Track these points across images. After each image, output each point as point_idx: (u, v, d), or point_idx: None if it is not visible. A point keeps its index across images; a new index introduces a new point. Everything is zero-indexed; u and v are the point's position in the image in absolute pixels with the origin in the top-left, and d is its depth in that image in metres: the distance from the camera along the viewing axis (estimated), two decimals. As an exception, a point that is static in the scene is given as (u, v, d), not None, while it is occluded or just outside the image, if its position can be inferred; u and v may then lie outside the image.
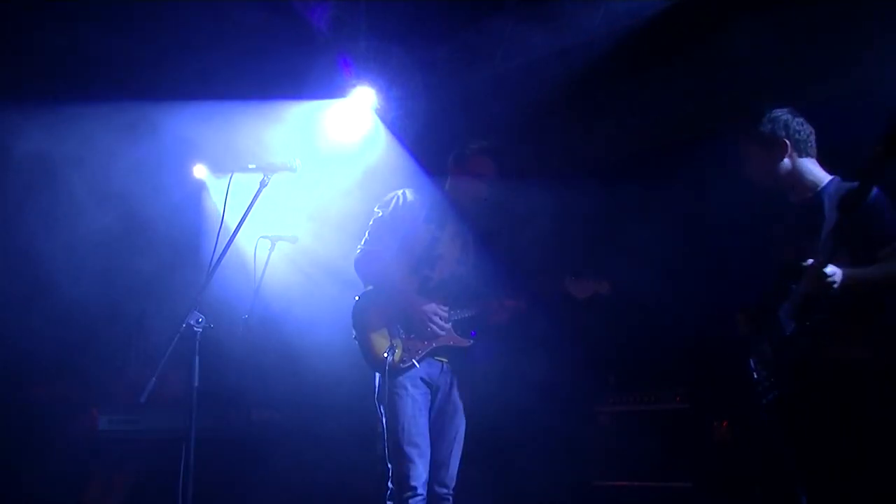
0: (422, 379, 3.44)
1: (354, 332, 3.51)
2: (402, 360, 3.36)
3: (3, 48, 4.74)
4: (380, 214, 3.63)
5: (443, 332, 3.44)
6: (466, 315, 3.50)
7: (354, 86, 5.64)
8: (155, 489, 4.81)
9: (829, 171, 3.36)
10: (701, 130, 5.43)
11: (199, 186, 6.30)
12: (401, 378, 3.38)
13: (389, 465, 3.33)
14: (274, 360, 5.58)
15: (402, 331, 3.43)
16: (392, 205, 3.63)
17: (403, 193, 3.68)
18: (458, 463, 3.50)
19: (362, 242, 3.61)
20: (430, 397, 3.48)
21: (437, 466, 3.42)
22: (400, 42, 5.54)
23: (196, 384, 2.95)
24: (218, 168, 6.22)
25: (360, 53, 5.49)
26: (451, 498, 3.44)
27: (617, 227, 5.54)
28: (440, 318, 3.43)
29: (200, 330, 2.96)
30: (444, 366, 3.50)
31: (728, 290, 5.19)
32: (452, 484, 3.46)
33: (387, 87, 5.71)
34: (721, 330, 5.24)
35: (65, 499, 4.79)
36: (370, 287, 3.56)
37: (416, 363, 3.38)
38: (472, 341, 3.48)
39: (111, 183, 5.32)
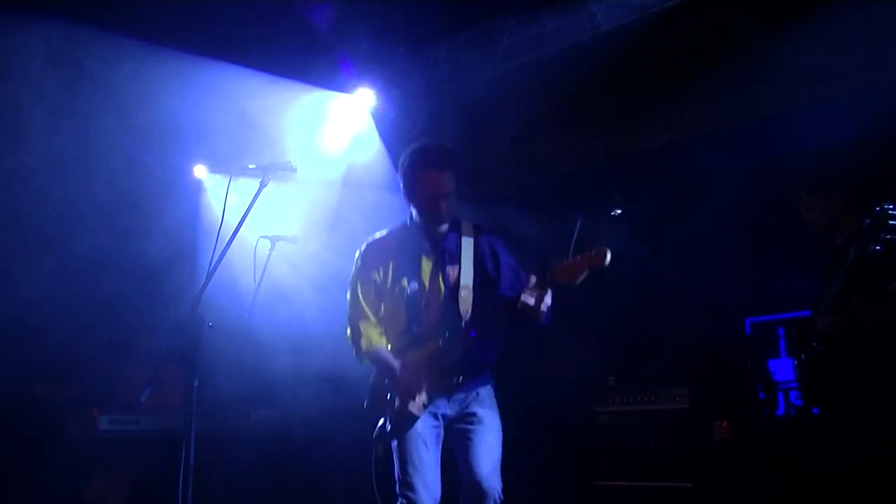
0: (429, 417, 3.22)
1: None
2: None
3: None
4: (351, 282, 3.43)
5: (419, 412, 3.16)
6: (456, 355, 3.16)
7: (356, 86, 5.64)
8: (155, 489, 4.81)
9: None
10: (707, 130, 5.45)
11: (199, 186, 6.31)
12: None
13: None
14: (274, 359, 5.58)
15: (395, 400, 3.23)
16: (356, 272, 3.40)
17: (363, 254, 3.40)
18: (489, 468, 3.19)
19: (347, 317, 3.43)
20: (440, 430, 3.24)
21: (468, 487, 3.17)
22: (400, 42, 5.55)
23: (196, 384, 2.94)
24: (218, 168, 6.23)
25: (360, 53, 5.49)
26: None
27: (624, 228, 5.54)
28: (415, 403, 3.15)
29: (200, 330, 2.96)
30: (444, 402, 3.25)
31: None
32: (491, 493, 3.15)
33: (386, 87, 5.71)
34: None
35: (65, 499, 4.79)
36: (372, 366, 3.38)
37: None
38: (456, 380, 3.16)
39: (109, 180, 5.31)
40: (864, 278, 3.33)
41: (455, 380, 3.17)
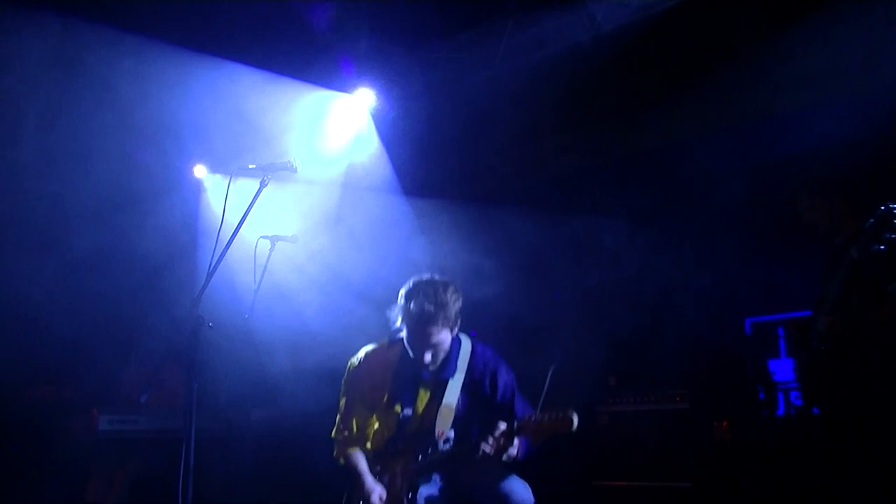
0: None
1: None
2: None
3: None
4: (344, 391, 3.45)
5: None
6: (430, 474, 3.21)
7: (356, 86, 5.64)
8: (155, 489, 4.81)
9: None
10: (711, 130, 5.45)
11: (199, 186, 6.31)
12: None
13: None
14: (274, 359, 5.58)
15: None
16: (350, 387, 3.43)
17: (360, 370, 3.40)
18: (515, 481, 3.17)
19: (336, 423, 3.46)
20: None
21: None
22: (400, 42, 5.55)
23: (196, 384, 2.94)
24: (218, 168, 6.22)
25: (360, 53, 5.49)
26: None
27: (624, 228, 5.55)
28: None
29: (200, 330, 2.96)
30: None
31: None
32: None
33: (386, 87, 5.71)
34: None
35: (65, 499, 4.79)
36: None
37: None
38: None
39: (108, 179, 5.30)
40: (866, 278, 3.33)
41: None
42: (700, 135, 5.46)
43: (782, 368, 5.12)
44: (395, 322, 3.26)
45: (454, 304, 3.16)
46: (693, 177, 5.42)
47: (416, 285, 3.19)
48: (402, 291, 3.22)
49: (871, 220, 3.19)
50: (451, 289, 3.18)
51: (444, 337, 3.17)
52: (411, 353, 3.23)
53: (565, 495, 5.11)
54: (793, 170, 4.48)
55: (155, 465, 4.94)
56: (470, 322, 3.54)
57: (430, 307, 3.09)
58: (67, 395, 5.30)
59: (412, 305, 3.12)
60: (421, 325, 3.12)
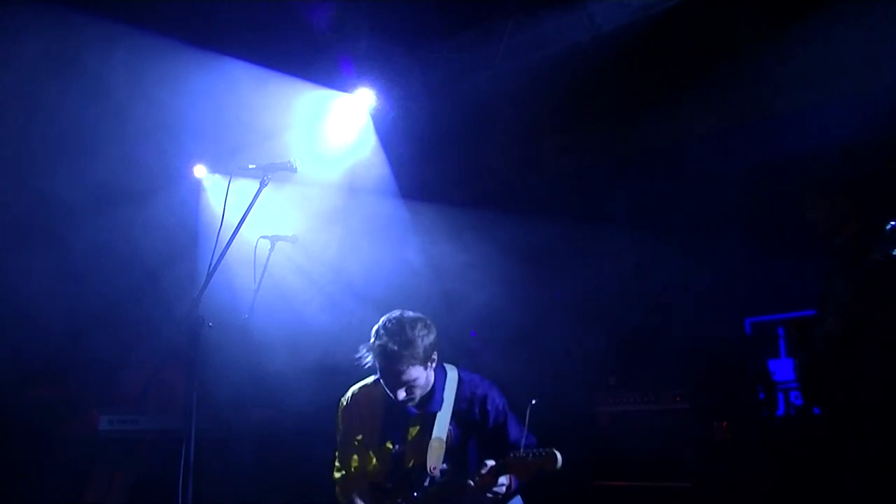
0: None
1: None
2: None
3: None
4: (337, 435, 3.47)
5: None
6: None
7: (356, 85, 5.64)
8: (155, 489, 4.81)
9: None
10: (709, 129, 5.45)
11: (199, 186, 6.30)
12: None
13: None
14: (274, 359, 5.58)
15: None
16: (341, 428, 3.45)
17: (349, 410, 3.42)
18: None
19: (335, 464, 3.47)
20: None
21: None
22: (400, 42, 5.54)
23: (196, 384, 2.94)
24: (217, 168, 6.22)
25: (360, 53, 5.48)
26: None
27: (624, 228, 5.54)
28: None
29: (200, 330, 2.95)
30: None
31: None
32: None
33: (386, 87, 5.71)
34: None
35: (65, 499, 4.79)
36: None
37: None
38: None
39: (108, 178, 5.30)
40: (881, 281, 3.33)
41: None
42: (700, 135, 5.46)
43: (782, 368, 5.12)
44: (365, 360, 3.23)
45: (423, 339, 3.13)
46: (693, 177, 5.42)
47: (384, 324, 3.17)
48: (373, 330, 3.21)
49: (893, 224, 3.18)
50: (419, 325, 3.15)
51: (415, 374, 3.14)
52: (387, 392, 3.22)
53: (565, 495, 5.11)
54: (793, 170, 4.49)
55: (155, 465, 4.94)
56: (470, 322, 3.55)
57: (394, 346, 3.07)
58: (67, 395, 5.30)
59: (377, 346, 3.13)
60: (388, 364, 3.11)
